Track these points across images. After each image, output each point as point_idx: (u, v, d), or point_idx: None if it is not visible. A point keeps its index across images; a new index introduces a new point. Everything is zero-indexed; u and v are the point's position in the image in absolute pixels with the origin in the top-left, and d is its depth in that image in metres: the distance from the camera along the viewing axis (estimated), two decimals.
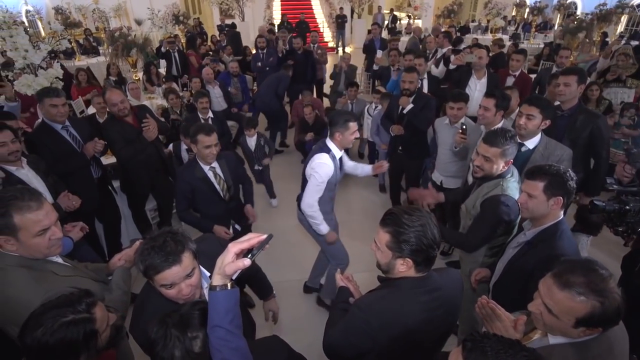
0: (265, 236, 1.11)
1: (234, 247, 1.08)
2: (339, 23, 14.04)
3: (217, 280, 1.09)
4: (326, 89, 7.69)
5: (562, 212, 1.74)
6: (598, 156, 2.95)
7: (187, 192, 2.60)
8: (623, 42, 9.13)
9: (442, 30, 8.32)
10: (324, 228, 2.66)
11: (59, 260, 1.63)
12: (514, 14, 16.13)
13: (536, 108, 2.37)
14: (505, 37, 8.49)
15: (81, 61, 9.49)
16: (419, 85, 3.95)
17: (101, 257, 3.44)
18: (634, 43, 9.08)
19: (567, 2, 14.50)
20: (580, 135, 2.91)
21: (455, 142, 2.98)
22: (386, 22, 14.54)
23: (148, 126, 3.24)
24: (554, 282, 1.15)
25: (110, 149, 3.41)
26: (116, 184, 3.59)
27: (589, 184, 3.05)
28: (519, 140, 2.48)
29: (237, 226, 2.89)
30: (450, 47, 5.87)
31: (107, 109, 3.62)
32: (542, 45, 9.70)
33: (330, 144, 2.55)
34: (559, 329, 1.17)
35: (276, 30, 9.30)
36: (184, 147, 4.19)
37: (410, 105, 3.62)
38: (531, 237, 1.80)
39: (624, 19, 12.01)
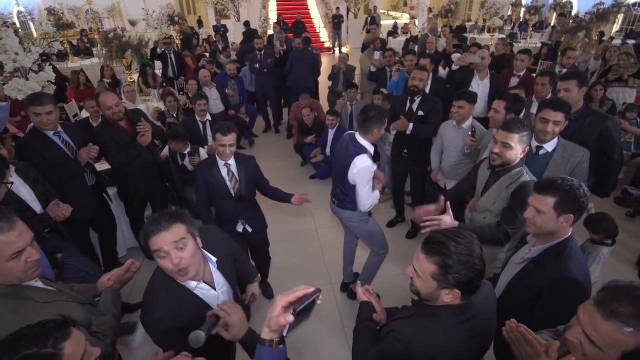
0: (312, 290, 1.06)
1: (281, 301, 1.03)
2: (336, 23, 13.95)
3: (265, 334, 1.06)
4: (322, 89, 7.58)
5: (570, 229, 1.62)
6: (610, 158, 2.87)
7: (202, 184, 2.70)
8: (617, 41, 9.11)
9: (440, 30, 8.27)
10: (376, 196, 2.69)
11: (39, 284, 1.48)
12: (509, 13, 16.10)
13: (562, 113, 2.31)
14: (502, 37, 8.42)
15: (74, 63, 9.33)
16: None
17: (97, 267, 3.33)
18: (631, 42, 9.07)
19: (564, 1, 14.50)
20: (589, 138, 2.83)
21: (466, 146, 2.90)
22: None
23: (144, 131, 3.13)
24: (597, 311, 1.03)
25: (103, 155, 3.30)
26: (112, 191, 3.47)
27: (601, 186, 2.98)
28: (537, 144, 2.41)
29: (247, 227, 2.89)
30: (453, 42, 5.81)
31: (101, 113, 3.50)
32: (539, 45, 9.65)
33: (363, 142, 2.52)
34: None
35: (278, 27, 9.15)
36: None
37: (410, 126, 3.54)
38: (537, 255, 1.68)
39: (620, 18, 12.01)
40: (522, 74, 4.63)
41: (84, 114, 5.05)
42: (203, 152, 4.16)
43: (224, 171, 2.68)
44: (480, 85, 4.28)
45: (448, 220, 2.03)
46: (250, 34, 10.78)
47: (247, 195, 2.80)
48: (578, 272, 1.55)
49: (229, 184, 2.70)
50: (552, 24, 11.51)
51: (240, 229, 2.87)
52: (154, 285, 1.48)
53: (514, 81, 4.64)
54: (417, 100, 3.62)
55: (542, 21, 14.09)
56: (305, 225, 4.29)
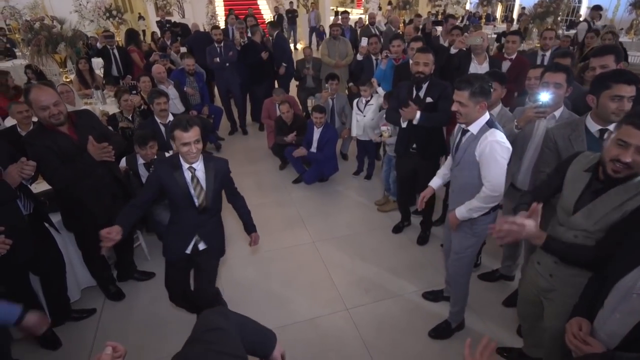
0: None
1: None
2: (290, 17, 13.36)
3: None
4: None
5: None
6: None
7: (155, 182, 2.22)
8: (564, 31, 9.44)
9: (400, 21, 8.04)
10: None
11: None
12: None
13: (635, 86, 1.91)
14: (475, 24, 8.36)
15: None
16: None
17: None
18: (572, 31, 9.45)
19: None
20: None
21: (521, 121, 2.40)
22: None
23: (108, 156, 2.45)
24: None
25: (40, 172, 2.48)
26: (56, 218, 2.64)
27: None
28: (599, 127, 2.02)
29: (200, 244, 2.37)
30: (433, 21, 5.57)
31: (33, 117, 2.66)
32: (494, 35, 9.75)
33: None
34: None
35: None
36: (140, 161, 3.31)
37: (417, 114, 3.06)
38: None
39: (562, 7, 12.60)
40: (513, 56, 4.35)
41: (9, 122, 4.04)
42: None
43: (187, 176, 2.21)
44: (479, 69, 3.94)
45: (532, 226, 1.54)
46: (185, 31, 9.85)
47: (213, 206, 2.34)
48: None
49: (192, 191, 2.23)
50: (503, 15, 11.76)
51: (189, 249, 2.35)
52: None
53: (505, 65, 4.36)
54: (424, 86, 3.16)
55: (488, 14, 14.53)
56: (299, 239, 3.68)
